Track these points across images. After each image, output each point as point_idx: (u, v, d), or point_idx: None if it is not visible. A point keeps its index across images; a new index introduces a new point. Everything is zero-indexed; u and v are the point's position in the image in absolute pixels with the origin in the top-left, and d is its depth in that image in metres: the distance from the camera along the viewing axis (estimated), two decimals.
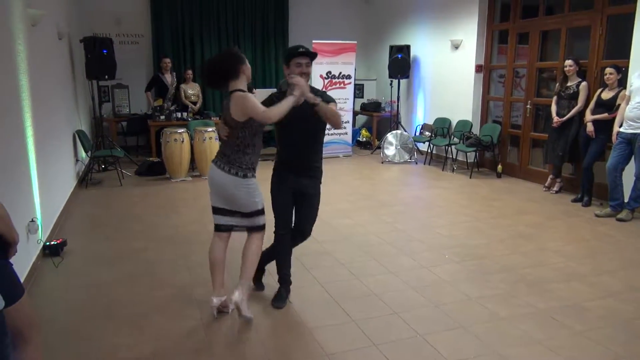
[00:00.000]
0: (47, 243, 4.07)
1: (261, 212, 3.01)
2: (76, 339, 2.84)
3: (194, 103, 8.38)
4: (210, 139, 6.85)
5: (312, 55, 2.97)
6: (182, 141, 6.69)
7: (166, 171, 6.94)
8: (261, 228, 3.03)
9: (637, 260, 4.04)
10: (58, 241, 4.11)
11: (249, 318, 2.97)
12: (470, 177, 7.08)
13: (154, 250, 4.22)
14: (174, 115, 7.75)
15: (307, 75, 2.94)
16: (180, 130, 6.75)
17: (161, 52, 8.93)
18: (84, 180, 6.52)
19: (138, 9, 8.93)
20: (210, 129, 6.95)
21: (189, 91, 8.40)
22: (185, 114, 7.85)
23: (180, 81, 8.37)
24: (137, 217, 5.17)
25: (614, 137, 5.10)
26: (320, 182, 3.35)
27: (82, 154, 6.81)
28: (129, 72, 8.71)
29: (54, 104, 5.21)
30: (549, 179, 6.27)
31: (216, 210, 3.03)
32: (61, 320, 3.04)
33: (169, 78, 8.10)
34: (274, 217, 3.16)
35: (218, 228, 3.06)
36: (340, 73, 8.58)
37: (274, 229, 3.19)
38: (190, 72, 8.49)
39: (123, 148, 7.77)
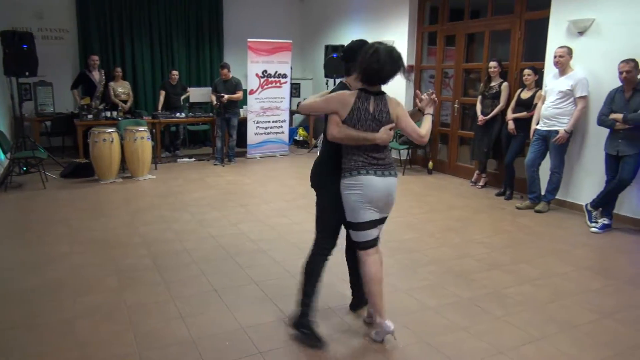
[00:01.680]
0: None
1: None
2: None
3: (124, 102, 8.10)
4: (142, 139, 6.65)
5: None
6: (112, 141, 6.44)
7: (95, 173, 6.65)
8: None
9: (553, 248, 4.35)
10: None
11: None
12: (403, 174, 7.31)
13: (81, 254, 4.04)
14: (103, 114, 7.45)
15: None
16: (109, 130, 6.49)
17: (88, 48, 8.56)
18: (3, 184, 6.12)
19: (62, 3, 8.49)
20: (141, 129, 6.74)
21: (119, 89, 8.09)
22: (115, 113, 7.57)
23: (110, 79, 8.04)
24: (62, 221, 4.92)
25: (531, 135, 5.46)
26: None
27: (1, 155, 6.39)
28: (53, 69, 8.25)
29: None
30: (475, 175, 6.60)
31: (372, 224, 2.71)
32: None
33: (96, 76, 7.77)
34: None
35: (373, 243, 2.76)
36: (276, 72, 8.58)
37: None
38: (119, 69, 8.19)
39: (47, 149, 7.37)
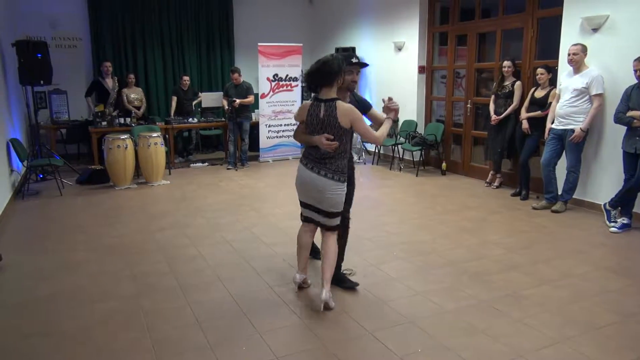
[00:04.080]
0: None
1: (339, 214, 3.23)
2: None
3: (138, 108, 8.17)
4: (156, 145, 6.69)
5: (362, 65, 3.35)
6: (126, 147, 6.49)
7: (110, 179, 6.71)
8: (336, 228, 3.27)
9: (570, 249, 4.28)
10: None
11: (332, 307, 3.19)
12: (417, 176, 7.27)
13: (97, 261, 4.07)
14: (117, 120, 7.53)
15: (355, 83, 3.29)
16: (123, 136, 6.55)
17: (101, 55, 8.66)
18: (20, 191, 6.21)
19: (75, 11, 8.60)
20: (155, 134, 6.79)
21: (132, 96, 8.17)
22: (128, 120, 7.64)
23: (122, 86, 8.12)
24: (78, 227, 4.97)
25: (546, 134, 5.39)
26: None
27: (18, 163, 6.48)
28: (68, 77, 8.38)
29: None
30: (489, 175, 6.53)
31: (305, 205, 3.29)
32: None
33: (110, 83, 7.86)
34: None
35: (305, 219, 3.34)
36: (287, 75, 8.60)
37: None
38: (132, 76, 8.26)
39: (63, 156, 7.47)
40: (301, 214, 3.35)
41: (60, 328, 3.01)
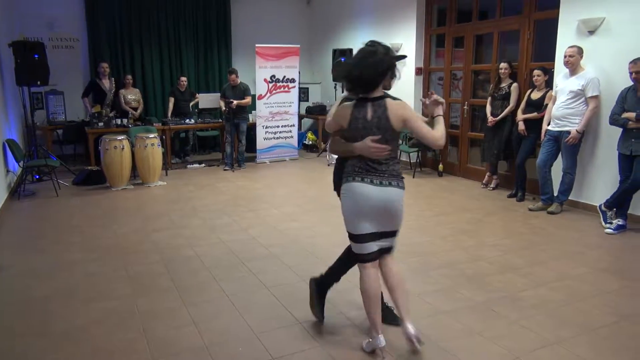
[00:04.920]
0: None
1: None
2: None
3: (135, 109, 8.16)
4: (152, 146, 6.68)
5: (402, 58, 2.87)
6: (123, 148, 6.48)
7: (106, 180, 6.70)
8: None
9: (567, 250, 4.29)
10: None
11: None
12: (414, 177, 7.28)
13: (93, 261, 4.06)
14: (114, 121, 7.51)
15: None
16: (120, 137, 6.54)
17: (98, 56, 8.63)
18: (17, 192, 6.19)
19: (72, 12, 8.58)
20: (152, 135, 6.78)
21: (129, 96, 8.16)
22: (125, 121, 7.63)
23: (120, 86, 8.11)
24: (74, 228, 4.96)
25: (542, 135, 5.41)
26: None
27: (15, 164, 6.47)
28: (64, 78, 8.36)
29: None
30: (486, 177, 6.55)
31: (373, 236, 2.59)
32: None
33: (107, 83, 7.85)
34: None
35: (374, 257, 2.64)
36: (284, 77, 8.60)
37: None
38: (129, 77, 8.26)
39: (59, 157, 7.46)
40: (364, 255, 2.61)
41: (55, 328, 3.00)
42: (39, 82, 6.70)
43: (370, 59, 2.47)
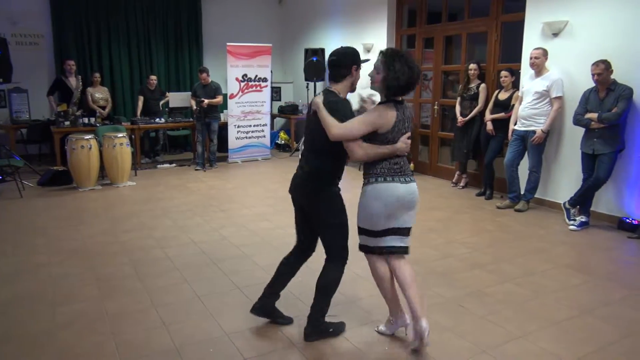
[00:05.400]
0: None
1: None
2: None
3: (103, 108, 7.99)
4: (121, 145, 6.56)
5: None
6: (90, 148, 6.33)
7: (73, 180, 6.54)
8: None
9: (533, 247, 4.42)
10: None
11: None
12: None
13: (59, 264, 3.96)
14: (81, 120, 7.34)
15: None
16: (87, 137, 6.39)
17: (64, 53, 8.42)
18: None
19: (36, 8, 8.33)
20: (120, 135, 6.65)
21: (97, 95, 7.99)
22: (93, 120, 7.46)
23: (87, 85, 7.93)
24: (39, 230, 4.82)
25: (509, 135, 5.54)
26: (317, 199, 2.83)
27: None
28: (29, 75, 8.10)
29: None
30: (456, 175, 6.67)
31: (393, 231, 2.69)
32: None
33: (73, 81, 7.66)
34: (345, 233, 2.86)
35: (386, 250, 2.72)
36: (256, 76, 8.56)
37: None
38: (97, 75, 8.08)
39: (24, 157, 7.24)
40: (381, 248, 2.71)
41: (21, 332, 2.91)
42: (1, 80, 6.48)
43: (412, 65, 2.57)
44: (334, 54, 2.81)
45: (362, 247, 2.80)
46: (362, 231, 2.77)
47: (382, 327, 2.92)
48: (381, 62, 2.60)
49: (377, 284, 2.84)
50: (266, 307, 2.99)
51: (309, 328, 2.83)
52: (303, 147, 2.84)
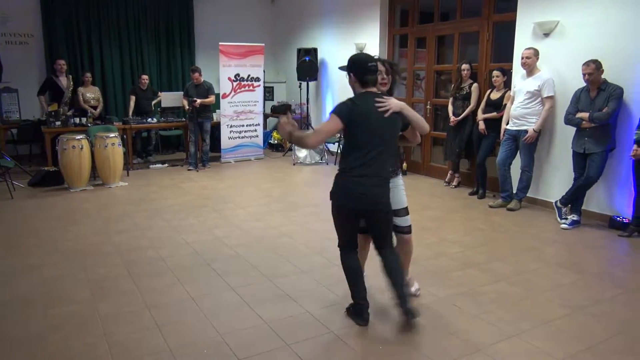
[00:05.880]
0: None
1: None
2: None
3: (94, 107, 7.93)
4: (113, 145, 6.52)
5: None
6: (82, 148, 6.29)
7: (64, 181, 6.49)
8: None
9: (524, 246, 4.44)
10: None
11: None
12: None
13: (51, 265, 3.93)
14: (72, 120, 7.28)
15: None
16: (78, 137, 6.35)
17: (54, 53, 8.35)
18: None
19: (26, 7, 8.26)
20: (112, 135, 6.61)
21: (88, 95, 7.93)
22: (84, 119, 7.41)
23: (78, 84, 7.87)
24: (31, 231, 4.78)
25: (501, 134, 5.57)
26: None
27: None
28: (19, 75, 8.03)
29: None
30: (448, 175, 6.70)
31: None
32: None
33: (64, 81, 7.60)
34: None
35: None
36: (249, 75, 8.54)
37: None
38: (89, 74, 8.02)
39: (14, 157, 7.17)
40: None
41: (12, 334, 2.89)
42: None
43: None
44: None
45: (410, 227, 3.26)
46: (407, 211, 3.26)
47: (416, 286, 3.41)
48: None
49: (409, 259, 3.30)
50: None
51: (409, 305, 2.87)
52: (366, 154, 2.80)
